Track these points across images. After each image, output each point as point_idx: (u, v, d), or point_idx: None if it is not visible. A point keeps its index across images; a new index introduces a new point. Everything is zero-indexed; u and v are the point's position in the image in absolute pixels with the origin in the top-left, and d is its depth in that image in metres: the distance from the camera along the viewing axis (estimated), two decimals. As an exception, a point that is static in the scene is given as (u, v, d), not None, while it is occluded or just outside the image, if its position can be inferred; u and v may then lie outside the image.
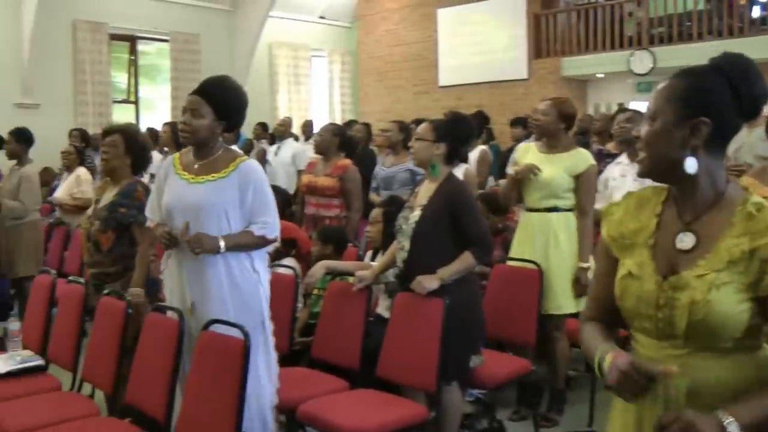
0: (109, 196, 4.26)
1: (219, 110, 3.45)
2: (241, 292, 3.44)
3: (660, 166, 1.79)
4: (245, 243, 3.42)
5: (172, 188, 3.54)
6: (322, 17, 15.78)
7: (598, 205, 4.51)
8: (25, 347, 4.38)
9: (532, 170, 4.47)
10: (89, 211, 4.48)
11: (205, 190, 3.43)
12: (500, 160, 8.73)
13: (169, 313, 3.54)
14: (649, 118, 1.80)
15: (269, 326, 3.54)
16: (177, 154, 3.66)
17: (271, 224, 3.44)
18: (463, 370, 3.84)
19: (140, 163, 4.40)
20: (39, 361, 4.26)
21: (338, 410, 3.52)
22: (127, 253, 4.16)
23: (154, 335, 3.55)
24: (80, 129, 10.59)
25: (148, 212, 3.71)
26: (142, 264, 4.10)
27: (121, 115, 12.82)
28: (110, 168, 4.30)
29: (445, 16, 14.80)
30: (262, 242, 3.46)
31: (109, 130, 4.38)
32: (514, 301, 4.39)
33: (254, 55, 14.18)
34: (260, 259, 3.53)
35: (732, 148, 5.40)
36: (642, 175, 1.85)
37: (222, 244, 3.31)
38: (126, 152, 4.27)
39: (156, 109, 13.86)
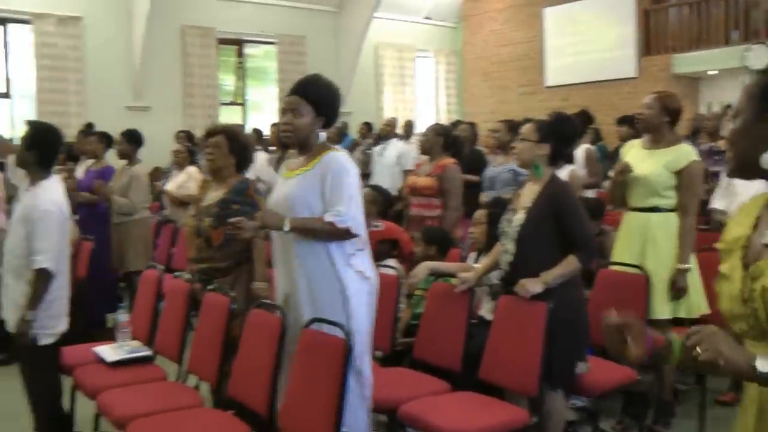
0: (216, 194, 4.33)
1: (318, 107, 3.47)
2: (327, 289, 3.43)
3: (744, 164, 1.78)
4: (312, 227, 3.38)
5: (277, 186, 3.65)
6: (427, 18, 15.75)
7: (719, 205, 4.32)
8: (133, 338, 4.52)
9: (624, 168, 4.32)
10: (192, 209, 4.56)
11: (295, 183, 3.49)
12: (607, 160, 8.50)
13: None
14: (733, 117, 1.78)
15: (360, 328, 3.43)
16: (292, 153, 3.71)
17: (343, 213, 3.33)
18: (568, 377, 3.73)
19: (243, 162, 4.47)
20: (147, 352, 4.41)
21: (439, 412, 3.48)
22: (238, 250, 4.23)
23: (257, 330, 3.59)
24: (186, 131, 10.87)
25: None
26: (262, 259, 4.18)
27: (229, 117, 13.06)
28: (215, 168, 4.39)
29: (552, 14, 14.57)
30: (333, 230, 3.35)
31: (213, 131, 4.46)
32: (620, 307, 4.21)
33: (360, 56, 14.25)
34: (341, 256, 3.44)
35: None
36: (730, 174, 1.83)
37: (287, 222, 3.34)
38: (230, 152, 4.35)
39: (263, 110, 14.09)
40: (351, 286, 3.43)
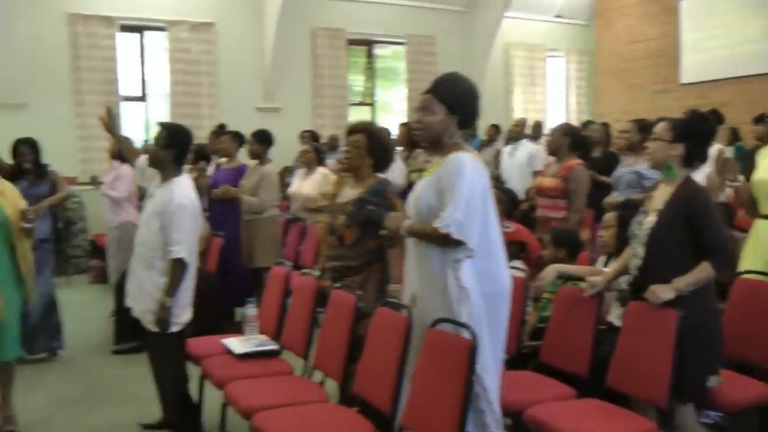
0: (353, 192, 4.36)
1: (450, 105, 3.41)
2: (453, 290, 3.36)
3: None
4: (424, 232, 3.33)
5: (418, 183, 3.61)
6: (558, 16, 15.46)
7: None
8: (261, 332, 4.64)
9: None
10: (324, 204, 4.63)
11: (423, 184, 3.47)
12: (744, 161, 8.11)
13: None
14: None
15: (483, 331, 3.33)
16: (419, 152, 3.70)
17: (446, 218, 3.20)
18: (700, 390, 3.55)
19: (382, 162, 4.44)
20: (274, 346, 4.52)
21: (565, 418, 3.41)
22: (370, 249, 4.26)
23: (384, 329, 3.61)
24: (311, 131, 11.05)
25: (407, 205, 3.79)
26: (398, 262, 4.14)
27: (358, 117, 13.05)
28: (353, 167, 4.41)
29: (688, 6, 13.89)
30: (437, 235, 3.25)
31: (354, 129, 4.48)
32: (759, 319, 3.99)
33: (489, 56, 14.12)
34: (462, 269, 3.33)
35: None
36: None
37: (405, 226, 3.34)
38: (368, 152, 4.36)
39: (392, 111, 14.17)
40: (471, 291, 3.34)
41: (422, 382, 3.27)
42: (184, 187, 4.43)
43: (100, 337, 7.09)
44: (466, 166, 3.28)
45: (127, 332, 6.49)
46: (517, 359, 4.21)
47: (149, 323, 4.37)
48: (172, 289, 4.29)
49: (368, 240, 4.23)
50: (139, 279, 4.43)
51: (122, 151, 5.20)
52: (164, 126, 4.62)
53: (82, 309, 8.43)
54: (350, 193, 4.37)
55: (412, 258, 3.50)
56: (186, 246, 4.30)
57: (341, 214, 4.32)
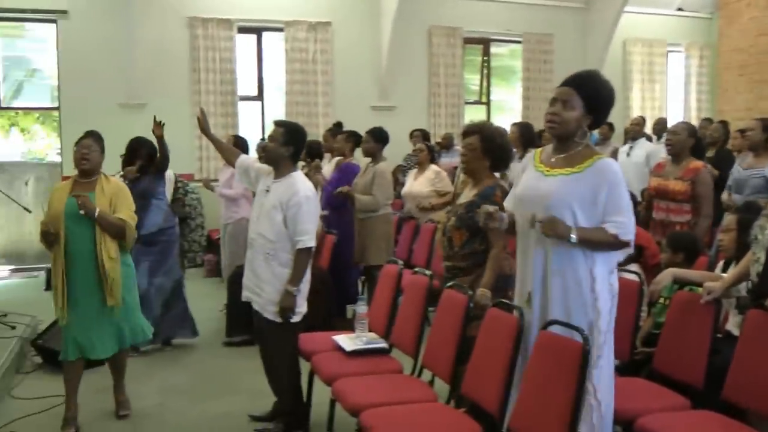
0: (468, 194, 4.38)
1: (589, 103, 3.33)
2: (579, 293, 3.29)
3: None
4: (597, 239, 3.26)
5: (526, 179, 3.52)
6: (679, 9, 14.90)
7: None
8: (370, 330, 4.62)
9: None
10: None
11: (557, 183, 3.34)
12: None
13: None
14: None
15: (602, 335, 3.29)
16: (539, 150, 3.60)
17: (625, 225, 3.24)
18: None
19: (499, 163, 4.43)
20: (383, 344, 4.52)
21: (678, 430, 3.29)
22: (478, 251, 4.25)
23: (494, 330, 3.56)
24: (421, 129, 11.02)
25: (505, 202, 3.77)
26: (494, 266, 4.15)
27: (473, 116, 13.07)
28: (469, 169, 4.40)
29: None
30: (615, 242, 3.26)
31: (468, 131, 4.45)
32: None
33: (607, 52, 13.75)
34: (603, 264, 3.31)
35: None
36: None
37: (574, 234, 3.21)
38: (483, 153, 4.32)
39: (507, 110, 14.02)
40: (602, 298, 3.29)
41: (532, 384, 3.23)
42: (305, 181, 4.62)
43: (212, 330, 7.29)
44: (621, 175, 3.32)
45: (239, 325, 6.61)
46: (630, 365, 4.10)
47: (270, 314, 4.50)
48: (296, 278, 4.45)
49: (476, 243, 4.24)
50: (258, 272, 4.55)
51: (220, 153, 5.26)
52: (281, 124, 4.77)
53: (196, 301, 8.59)
54: (467, 194, 4.39)
55: (530, 257, 3.41)
56: (313, 236, 4.47)
57: (453, 215, 4.35)
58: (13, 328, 6.35)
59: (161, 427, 4.93)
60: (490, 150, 4.32)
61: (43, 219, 4.70)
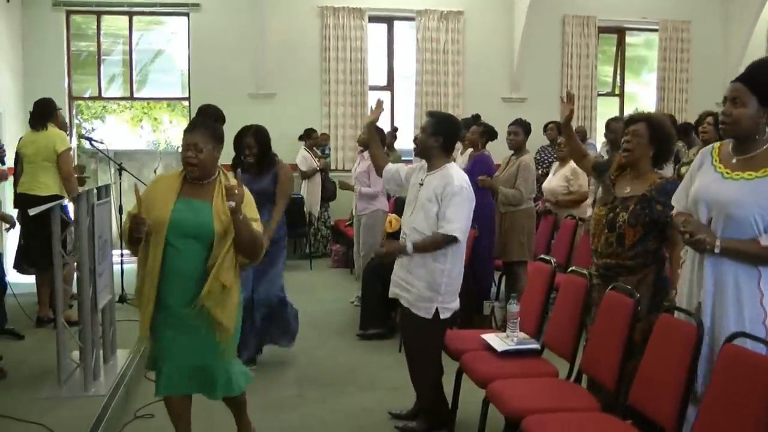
0: (634, 188, 4.03)
1: (763, 98, 3.04)
2: (753, 306, 3.02)
3: None
4: (747, 252, 3.00)
5: (703, 179, 3.24)
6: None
7: None
8: (521, 329, 4.40)
9: None
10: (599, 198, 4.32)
11: (738, 188, 3.07)
12: None
13: (681, 316, 3.27)
14: None
15: None
16: (718, 144, 3.31)
17: None
18: None
19: (663, 154, 4.07)
20: (536, 345, 4.32)
21: None
22: (650, 250, 3.94)
23: (667, 338, 3.29)
24: (556, 122, 10.68)
25: (673, 199, 3.48)
26: (677, 268, 3.79)
27: (605, 109, 12.69)
28: (633, 159, 4.05)
29: None
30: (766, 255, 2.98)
31: (635, 118, 4.13)
32: None
33: (750, 42, 12.95)
34: None
35: None
36: None
37: (718, 244, 2.99)
38: (650, 142, 4.00)
39: (640, 101, 13.48)
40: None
41: (715, 402, 2.93)
42: (460, 173, 4.44)
43: (344, 322, 7.28)
44: None
45: (374, 318, 6.53)
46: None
47: (420, 310, 4.35)
48: (421, 246, 4.30)
49: (649, 241, 3.93)
50: (409, 267, 4.40)
51: (372, 156, 5.10)
52: (431, 114, 4.65)
53: (326, 292, 8.69)
54: (631, 188, 4.03)
55: (702, 266, 3.15)
56: (460, 226, 4.28)
57: (623, 210, 3.99)
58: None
59: (302, 419, 4.87)
60: (658, 139, 3.99)
61: (132, 209, 3.63)
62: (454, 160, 7.31)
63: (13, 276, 7.16)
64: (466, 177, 4.44)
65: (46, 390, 5.03)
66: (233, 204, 3.35)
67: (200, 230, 3.52)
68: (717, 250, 3.00)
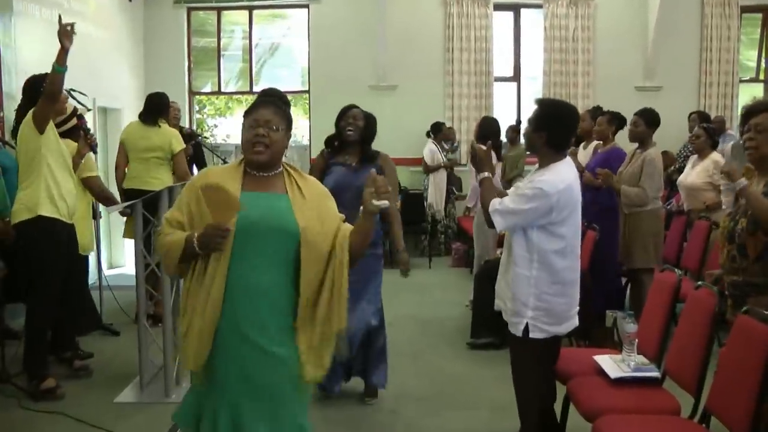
0: (758, 189, 3.45)
1: None
2: None
3: None
4: None
5: None
6: None
7: None
8: (639, 351, 3.83)
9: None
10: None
11: None
12: None
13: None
14: None
15: None
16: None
17: None
18: None
19: None
20: (655, 373, 3.72)
21: None
22: None
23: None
24: (700, 111, 9.88)
25: None
26: None
27: (748, 96, 11.64)
28: (758, 156, 3.47)
29: None
30: None
31: (755, 108, 3.53)
32: None
33: None
34: None
35: None
36: None
37: None
38: None
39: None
40: None
41: None
42: (567, 175, 3.76)
43: (455, 328, 6.87)
44: None
45: (486, 326, 6.09)
46: None
47: (512, 326, 3.84)
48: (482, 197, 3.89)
49: None
50: (507, 276, 3.89)
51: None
52: (537, 102, 4.00)
53: (440, 292, 8.38)
54: (755, 190, 3.43)
55: None
56: (503, 221, 3.74)
57: (743, 217, 3.42)
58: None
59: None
60: None
61: (171, 214, 2.83)
62: (575, 155, 6.81)
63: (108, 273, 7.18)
64: (570, 182, 3.74)
65: (126, 393, 4.95)
66: (386, 203, 2.67)
67: (280, 229, 2.71)
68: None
